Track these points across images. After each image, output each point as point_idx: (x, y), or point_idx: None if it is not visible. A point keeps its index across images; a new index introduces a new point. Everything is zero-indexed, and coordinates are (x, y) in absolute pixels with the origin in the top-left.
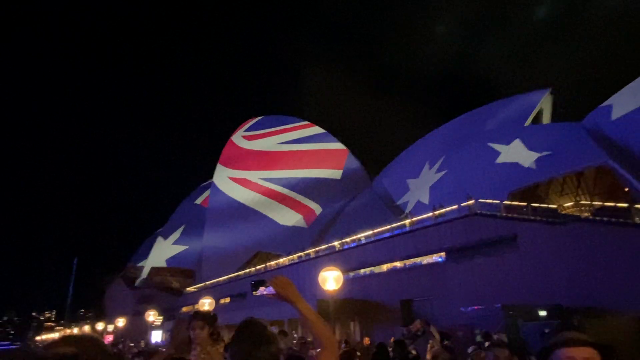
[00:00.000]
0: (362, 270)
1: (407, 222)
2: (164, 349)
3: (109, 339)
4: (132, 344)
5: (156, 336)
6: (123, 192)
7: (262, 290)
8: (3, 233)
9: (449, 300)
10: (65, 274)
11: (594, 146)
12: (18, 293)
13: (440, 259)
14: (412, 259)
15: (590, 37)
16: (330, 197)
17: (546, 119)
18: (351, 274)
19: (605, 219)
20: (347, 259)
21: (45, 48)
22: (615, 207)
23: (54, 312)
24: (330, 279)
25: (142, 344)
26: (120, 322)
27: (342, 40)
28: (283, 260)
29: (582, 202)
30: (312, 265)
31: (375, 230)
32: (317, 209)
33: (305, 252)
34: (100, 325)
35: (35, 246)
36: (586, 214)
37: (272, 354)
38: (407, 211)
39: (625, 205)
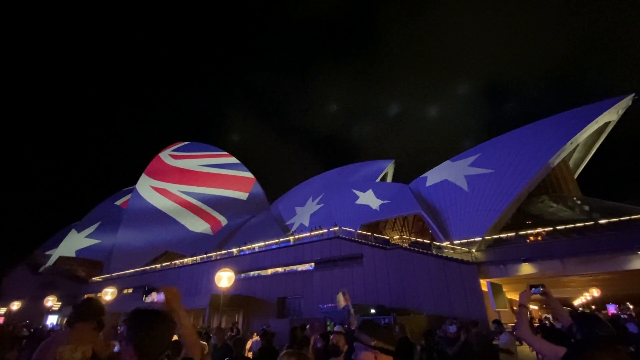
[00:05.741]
0: (252, 273)
1: (291, 238)
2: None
3: None
4: (24, 327)
5: (52, 320)
6: (38, 186)
7: (152, 296)
8: None
9: (312, 299)
10: None
11: (414, 201)
12: None
13: (310, 268)
14: (290, 266)
15: (419, 132)
16: (236, 212)
17: (389, 179)
18: (242, 275)
19: (416, 249)
20: (241, 263)
21: None
22: (422, 242)
23: None
24: (224, 278)
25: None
26: (15, 305)
27: (259, 99)
28: (187, 260)
29: (404, 236)
30: (212, 266)
31: (267, 242)
32: (223, 220)
33: (207, 254)
34: None
35: None
36: (405, 244)
37: (165, 332)
38: (292, 230)
39: (428, 241)
